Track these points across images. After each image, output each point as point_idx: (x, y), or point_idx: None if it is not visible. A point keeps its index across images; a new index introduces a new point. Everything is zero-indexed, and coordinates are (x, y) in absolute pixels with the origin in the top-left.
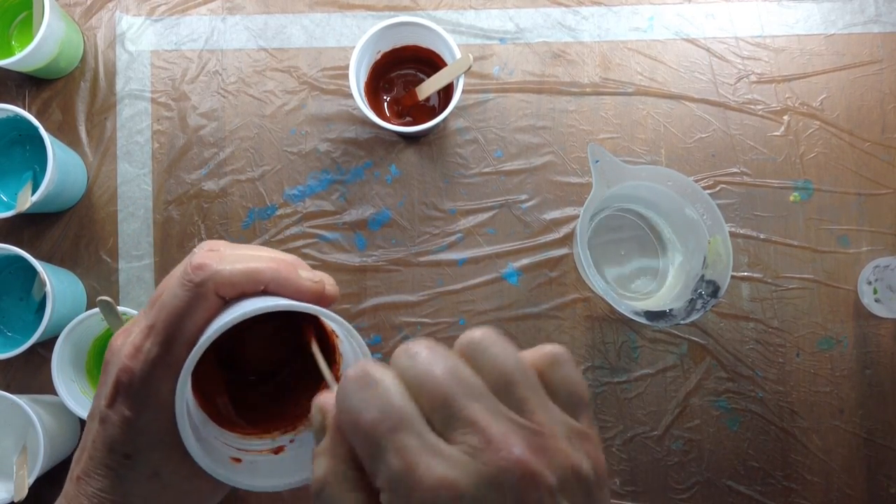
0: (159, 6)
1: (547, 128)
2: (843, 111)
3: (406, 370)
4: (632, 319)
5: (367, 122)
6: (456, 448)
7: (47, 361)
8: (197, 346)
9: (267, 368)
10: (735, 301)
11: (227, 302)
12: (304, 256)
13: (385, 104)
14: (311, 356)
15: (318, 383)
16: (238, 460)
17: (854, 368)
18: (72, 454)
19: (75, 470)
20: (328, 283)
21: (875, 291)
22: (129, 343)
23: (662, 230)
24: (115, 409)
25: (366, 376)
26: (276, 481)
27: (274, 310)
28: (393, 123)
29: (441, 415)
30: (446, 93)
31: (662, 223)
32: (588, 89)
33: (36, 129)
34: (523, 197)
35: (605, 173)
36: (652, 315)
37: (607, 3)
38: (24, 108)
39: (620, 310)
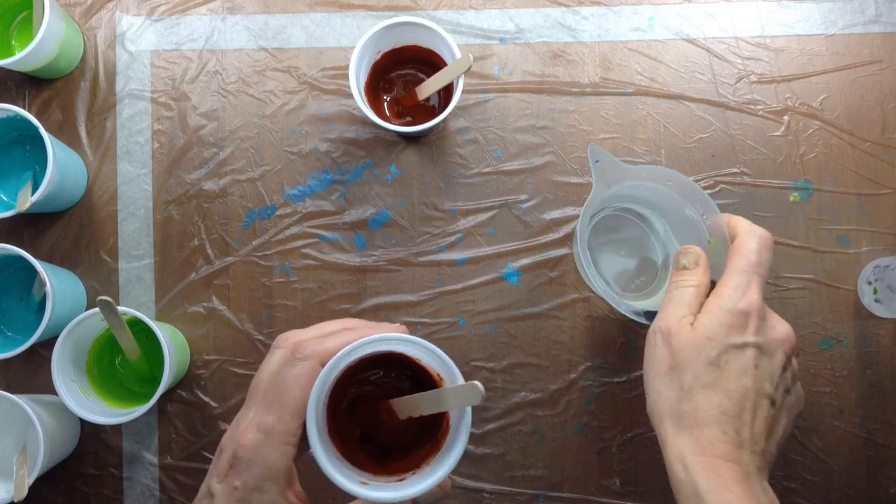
0: (159, 6)
1: (547, 128)
2: (843, 111)
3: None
4: (632, 319)
5: (367, 122)
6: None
7: (47, 361)
8: (327, 368)
9: (395, 423)
10: None
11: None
12: (304, 256)
13: (385, 104)
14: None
15: (437, 431)
16: (365, 483)
17: (854, 368)
18: (72, 454)
19: None
20: (403, 329)
21: (875, 291)
22: (243, 423)
23: (661, 230)
24: (226, 482)
25: (762, 233)
26: (399, 493)
27: (381, 344)
28: (393, 123)
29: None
30: (446, 93)
31: (662, 223)
32: (588, 89)
33: (36, 129)
34: (523, 197)
35: (605, 173)
36: (652, 315)
37: (607, 3)
38: (24, 108)
39: (620, 310)
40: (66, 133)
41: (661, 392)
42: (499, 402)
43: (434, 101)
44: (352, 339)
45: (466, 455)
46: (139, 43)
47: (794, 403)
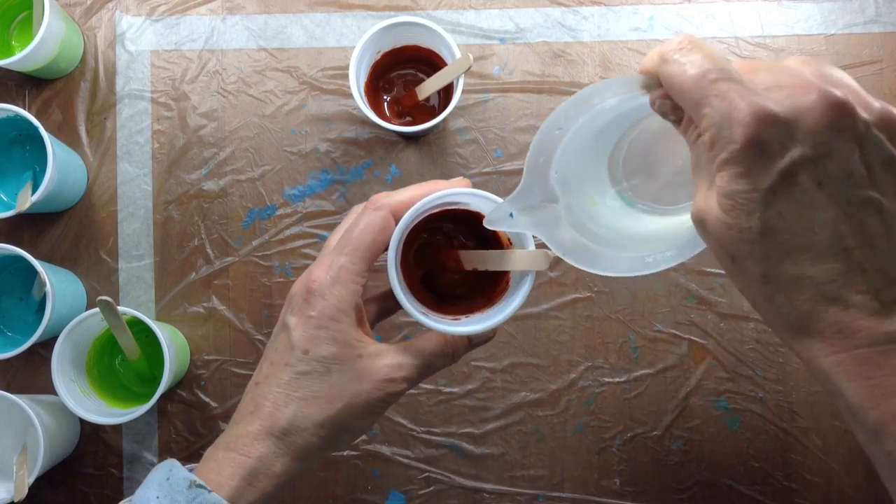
0: (159, 6)
1: None
2: None
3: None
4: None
5: (367, 122)
6: (772, 93)
7: (47, 361)
8: (409, 213)
9: (456, 273)
10: (735, 301)
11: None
12: (304, 256)
13: (385, 104)
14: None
15: (494, 287)
16: (425, 314)
17: None
18: (72, 454)
19: (256, 378)
20: (467, 182)
21: None
22: (316, 267)
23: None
24: (300, 313)
25: (688, 43)
26: (452, 329)
27: (448, 198)
28: (393, 123)
29: (762, 76)
30: (446, 93)
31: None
32: None
33: (36, 129)
34: None
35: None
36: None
37: (607, 3)
38: (24, 108)
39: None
40: (66, 133)
41: (747, 295)
42: (499, 402)
43: (434, 101)
44: (423, 192)
45: (466, 455)
46: (139, 43)
47: None
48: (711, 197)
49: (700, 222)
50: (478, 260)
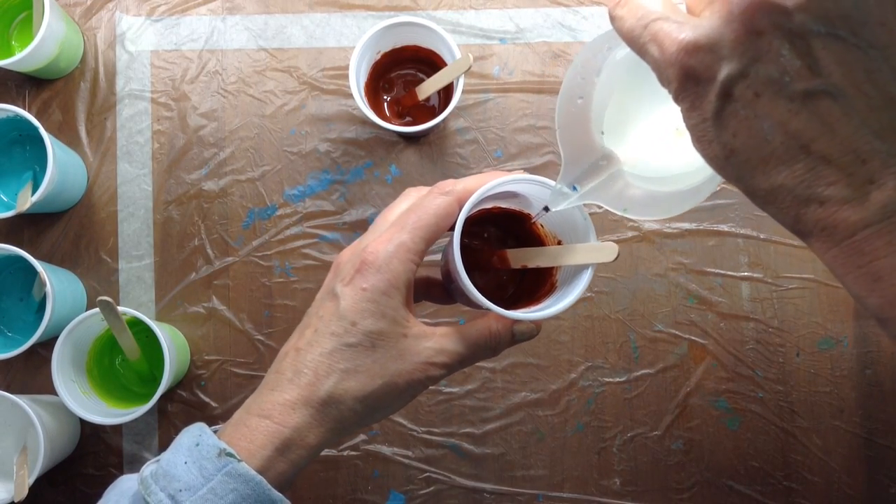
0: (159, 6)
1: (547, 128)
2: None
3: None
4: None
5: (367, 122)
6: (698, 19)
7: (47, 361)
8: (472, 198)
9: (500, 274)
10: (735, 301)
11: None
12: (304, 256)
13: (385, 104)
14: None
15: (537, 289)
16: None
17: (854, 368)
18: (72, 454)
19: (296, 344)
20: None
21: None
22: (373, 239)
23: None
24: (352, 284)
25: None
26: (516, 314)
27: (510, 185)
28: (393, 123)
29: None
30: (446, 93)
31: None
32: None
33: (36, 129)
34: None
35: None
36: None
37: (607, 3)
38: (24, 108)
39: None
40: (66, 133)
41: (747, 191)
42: (499, 402)
43: (434, 101)
44: (486, 180)
45: (466, 455)
46: (139, 43)
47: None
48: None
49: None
50: (528, 257)
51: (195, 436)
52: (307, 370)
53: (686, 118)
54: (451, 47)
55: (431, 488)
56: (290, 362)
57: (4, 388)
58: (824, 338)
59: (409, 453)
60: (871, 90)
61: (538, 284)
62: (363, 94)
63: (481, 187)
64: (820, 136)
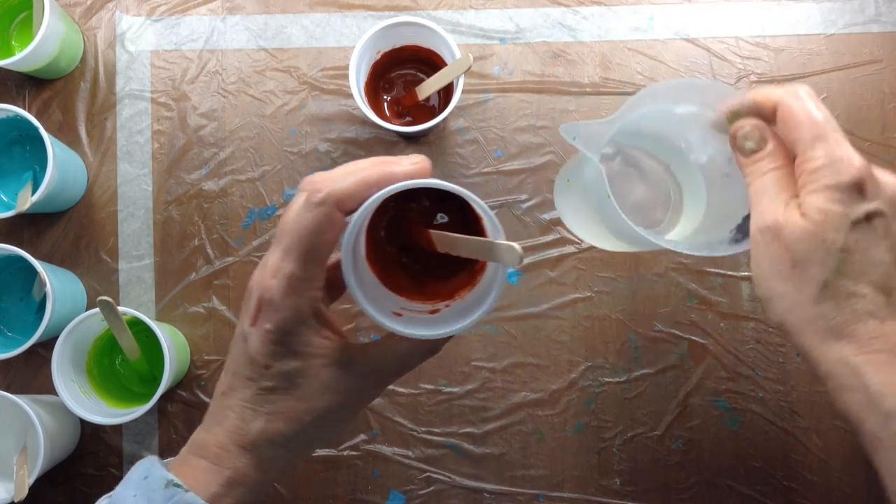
0: (159, 6)
1: (547, 128)
2: (843, 111)
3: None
4: (671, 250)
5: (367, 122)
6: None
7: (47, 361)
8: (357, 214)
9: (436, 252)
10: (735, 301)
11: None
12: None
13: (385, 104)
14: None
15: (475, 263)
16: (399, 315)
17: None
18: (72, 454)
19: (220, 388)
20: (424, 159)
21: None
22: (268, 266)
23: (665, 156)
24: (257, 325)
25: (812, 93)
26: (427, 332)
27: (403, 188)
28: (393, 123)
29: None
30: (446, 93)
31: (661, 147)
32: (588, 89)
33: (36, 129)
34: (523, 197)
35: (591, 140)
36: (693, 245)
37: (607, 3)
38: (24, 108)
39: (661, 244)
40: (66, 133)
41: (789, 297)
42: (499, 402)
43: (434, 101)
44: (368, 178)
45: (466, 455)
46: (139, 43)
47: None
48: (792, 211)
49: (774, 228)
50: (450, 244)
51: (145, 468)
52: (233, 415)
53: (828, 202)
54: (451, 47)
55: (431, 488)
56: (218, 406)
57: (4, 388)
58: None
59: (409, 453)
60: None
61: (471, 274)
62: (363, 94)
63: (368, 199)
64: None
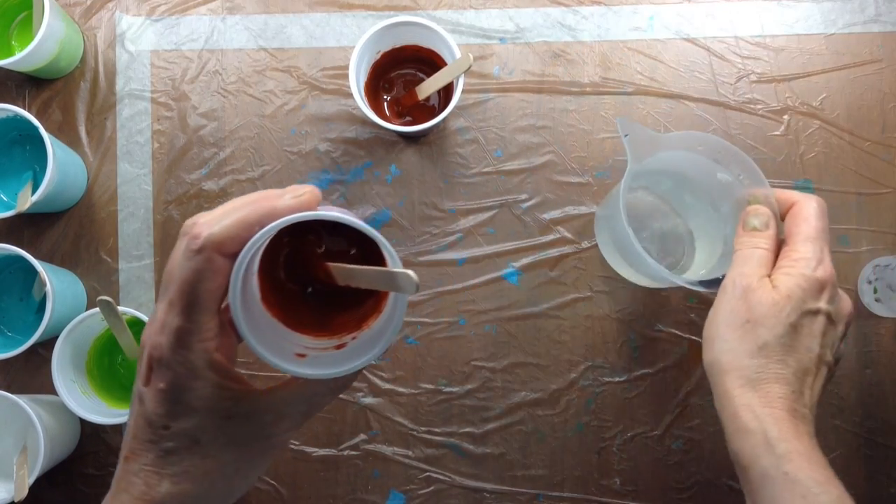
0: (159, 6)
1: (547, 127)
2: (843, 111)
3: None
4: (689, 288)
5: (367, 121)
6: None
7: (47, 361)
8: (239, 259)
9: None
10: None
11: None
12: None
13: (385, 104)
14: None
15: (378, 294)
16: (303, 356)
17: (854, 368)
18: (72, 454)
19: (123, 452)
20: (310, 190)
21: (875, 291)
22: (154, 322)
23: (691, 202)
24: (151, 384)
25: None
26: (333, 370)
27: (289, 223)
28: (393, 123)
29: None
30: (446, 93)
31: (691, 194)
32: (588, 89)
33: (36, 129)
34: (523, 197)
35: (637, 145)
36: (707, 283)
37: (607, 3)
38: (24, 108)
39: (679, 282)
40: (66, 133)
41: (731, 344)
42: (499, 401)
43: (434, 101)
44: (248, 218)
45: (466, 455)
46: (139, 43)
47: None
48: (765, 282)
49: (746, 288)
50: (348, 276)
51: None
52: (138, 481)
53: (797, 286)
54: (451, 47)
55: (431, 488)
56: (123, 472)
57: (4, 388)
58: None
59: (409, 453)
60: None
61: (378, 301)
62: (363, 93)
63: (244, 248)
64: (814, 380)
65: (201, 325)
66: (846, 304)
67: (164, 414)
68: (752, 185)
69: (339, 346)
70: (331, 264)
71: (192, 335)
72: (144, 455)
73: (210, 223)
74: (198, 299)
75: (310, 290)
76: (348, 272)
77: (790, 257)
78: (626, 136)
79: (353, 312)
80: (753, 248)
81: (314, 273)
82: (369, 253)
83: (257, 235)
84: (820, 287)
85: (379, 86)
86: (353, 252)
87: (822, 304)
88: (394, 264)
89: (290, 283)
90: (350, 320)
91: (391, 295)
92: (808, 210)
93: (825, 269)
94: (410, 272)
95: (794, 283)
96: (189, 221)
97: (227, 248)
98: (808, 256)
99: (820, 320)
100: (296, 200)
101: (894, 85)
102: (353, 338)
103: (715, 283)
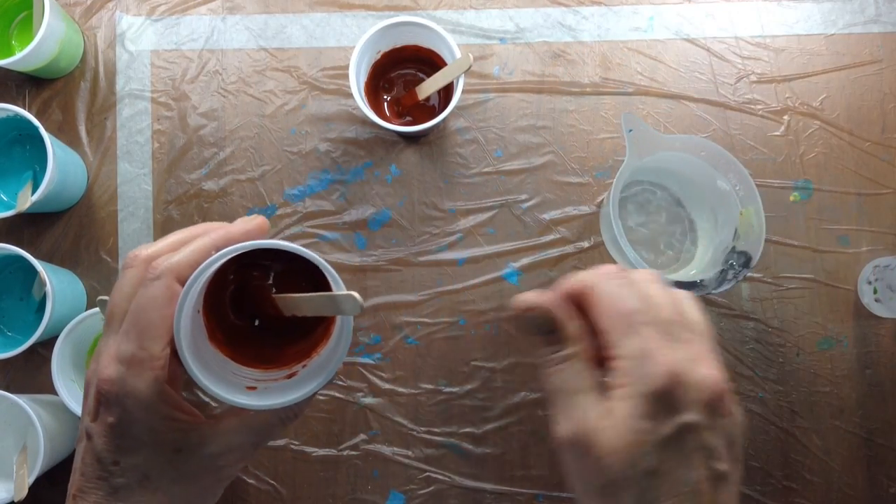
0: (159, 6)
1: (547, 128)
2: (843, 111)
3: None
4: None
5: (367, 121)
6: (678, 348)
7: (47, 361)
8: (184, 289)
9: (283, 315)
10: (735, 301)
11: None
12: None
13: (385, 104)
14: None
15: (326, 319)
16: (254, 388)
17: (854, 368)
18: (72, 454)
19: (71, 490)
20: (260, 220)
21: (875, 291)
22: (102, 355)
23: (689, 204)
24: (99, 420)
25: (626, 276)
26: (281, 399)
27: (234, 253)
28: (393, 123)
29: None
30: (446, 93)
31: (690, 197)
32: (588, 89)
33: (36, 128)
34: (523, 197)
35: (639, 143)
36: (683, 285)
37: (607, 3)
38: (24, 108)
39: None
40: (66, 133)
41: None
42: (499, 401)
43: (434, 101)
44: (205, 245)
45: (466, 455)
46: (139, 43)
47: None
48: (601, 422)
49: (583, 445)
50: (294, 306)
51: None
52: None
53: (636, 419)
54: (451, 47)
55: (431, 488)
56: None
57: (4, 388)
58: (824, 338)
59: (409, 453)
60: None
61: (327, 326)
62: (363, 93)
63: (199, 267)
64: None
65: (153, 353)
66: (706, 384)
67: (113, 449)
68: (747, 197)
69: (289, 376)
70: (276, 296)
71: (144, 363)
72: (93, 492)
73: (169, 255)
74: (150, 326)
75: (257, 323)
76: (293, 302)
77: (616, 367)
78: (630, 131)
79: (304, 341)
80: (559, 371)
81: (262, 308)
82: (321, 282)
83: (205, 263)
84: (663, 398)
85: (379, 86)
86: (303, 284)
87: (679, 419)
88: (337, 287)
89: (237, 319)
90: (301, 349)
91: (338, 318)
92: (606, 292)
93: (658, 369)
94: (354, 293)
95: (634, 412)
96: (132, 253)
97: (185, 276)
98: (632, 362)
99: (686, 439)
100: (250, 224)
101: (894, 85)
102: (304, 366)
103: (692, 285)
